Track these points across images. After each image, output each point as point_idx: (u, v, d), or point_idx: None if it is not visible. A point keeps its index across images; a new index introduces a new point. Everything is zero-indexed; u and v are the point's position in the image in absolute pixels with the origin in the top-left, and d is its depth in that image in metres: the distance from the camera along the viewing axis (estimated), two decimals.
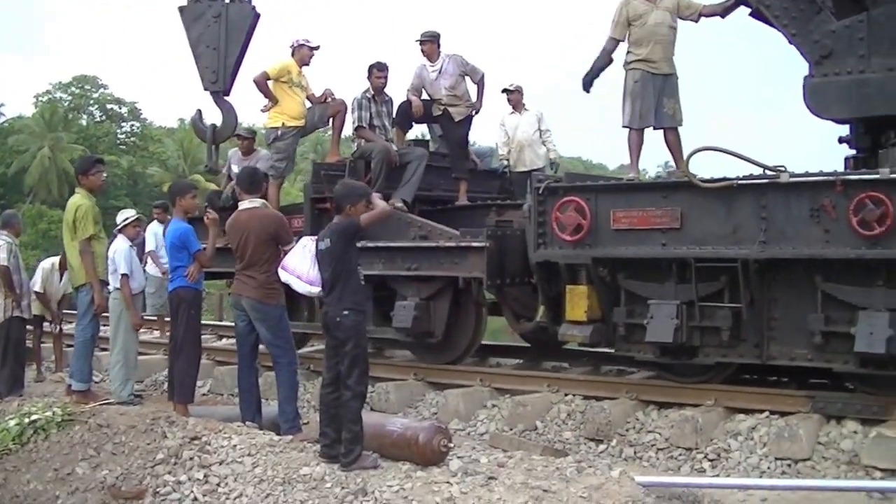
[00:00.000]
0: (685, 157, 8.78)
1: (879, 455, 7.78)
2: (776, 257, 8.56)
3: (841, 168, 9.77)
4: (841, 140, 10.53)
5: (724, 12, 9.97)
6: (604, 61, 10.26)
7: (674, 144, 10.18)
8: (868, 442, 8.01)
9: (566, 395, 9.91)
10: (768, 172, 8.70)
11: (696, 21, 10.15)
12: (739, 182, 8.69)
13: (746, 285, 8.68)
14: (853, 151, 10.17)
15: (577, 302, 9.52)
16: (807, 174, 8.54)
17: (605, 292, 9.52)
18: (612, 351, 10.00)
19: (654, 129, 10.13)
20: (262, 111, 12.12)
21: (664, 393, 9.61)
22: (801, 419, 8.50)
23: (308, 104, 12.25)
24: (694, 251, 8.90)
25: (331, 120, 12.45)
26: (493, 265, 10.21)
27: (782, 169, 8.67)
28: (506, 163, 13.81)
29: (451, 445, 7.66)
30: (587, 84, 10.38)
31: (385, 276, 11.09)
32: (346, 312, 7.42)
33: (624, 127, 10.17)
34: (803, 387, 9.35)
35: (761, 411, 8.87)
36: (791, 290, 8.73)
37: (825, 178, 8.42)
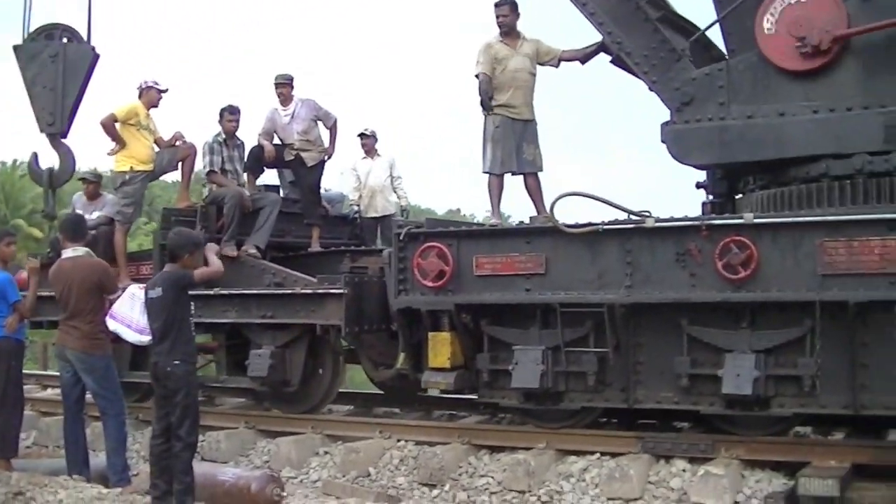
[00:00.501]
0: (551, 202, 8.75)
1: (707, 492, 7.94)
2: (642, 302, 8.59)
3: (698, 213, 9.99)
4: (698, 185, 10.77)
5: (584, 58, 10.09)
6: (489, 90, 10.13)
7: (534, 190, 10.19)
8: (696, 480, 8.13)
9: (398, 440, 9.85)
10: (633, 217, 8.75)
11: (556, 66, 10.24)
12: (605, 227, 8.70)
13: (612, 330, 8.67)
14: (710, 196, 10.42)
15: (440, 349, 9.37)
16: (672, 219, 8.64)
17: (469, 338, 9.41)
18: (476, 397, 9.89)
19: (514, 174, 10.13)
20: (109, 154, 11.64)
21: (496, 437, 9.66)
22: (631, 460, 8.59)
23: (156, 148, 11.82)
24: (559, 296, 8.86)
25: (180, 164, 12.05)
26: (351, 312, 9.98)
27: (647, 214, 8.76)
28: (356, 208, 13.65)
29: (284, 494, 7.77)
30: (487, 109, 10.17)
31: (239, 324, 10.75)
32: (176, 362, 7.38)
33: (485, 172, 10.13)
34: (633, 428, 9.41)
35: (592, 453, 8.94)
36: (657, 334, 8.77)
37: (691, 222, 8.53)
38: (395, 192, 14.03)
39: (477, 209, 67.43)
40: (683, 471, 8.44)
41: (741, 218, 8.33)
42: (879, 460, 8.19)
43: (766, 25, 8.82)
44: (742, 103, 8.98)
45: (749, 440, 8.67)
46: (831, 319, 8.00)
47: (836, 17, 8.59)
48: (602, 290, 8.70)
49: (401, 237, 9.56)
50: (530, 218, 9.87)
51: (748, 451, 8.56)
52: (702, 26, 9.88)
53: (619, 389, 8.95)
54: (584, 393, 9.04)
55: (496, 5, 10.18)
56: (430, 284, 9.34)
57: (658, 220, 8.62)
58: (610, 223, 8.75)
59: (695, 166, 9.73)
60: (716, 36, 9.75)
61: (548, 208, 8.83)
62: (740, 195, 10.09)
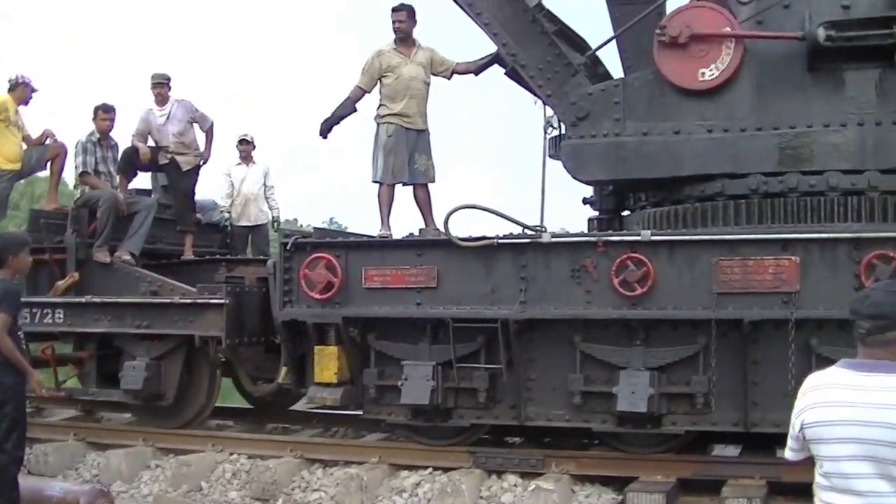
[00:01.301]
0: (446, 214, 8.64)
1: None
2: (536, 317, 8.56)
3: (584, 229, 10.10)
4: (585, 201, 10.83)
5: (477, 70, 10.04)
6: (347, 110, 10.10)
7: (424, 202, 10.08)
8: (527, 494, 8.23)
9: (231, 454, 9.70)
10: (528, 231, 8.74)
11: (449, 78, 10.17)
12: (500, 241, 8.64)
13: (506, 346, 8.60)
14: (597, 213, 10.51)
15: (327, 363, 9.13)
16: (568, 234, 8.65)
17: (356, 353, 9.21)
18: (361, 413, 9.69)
19: (405, 185, 10.00)
20: None
21: (329, 451, 9.65)
22: (463, 474, 8.65)
23: (25, 146, 11.30)
24: (451, 311, 8.74)
25: (49, 164, 11.54)
26: (232, 323, 9.72)
27: (542, 228, 8.76)
28: (227, 215, 13.31)
29: None
30: (325, 131, 10.14)
31: (111, 334, 10.34)
32: (4, 374, 6.98)
33: (375, 182, 9.98)
34: (465, 443, 9.35)
35: (425, 467, 8.97)
36: (550, 351, 8.75)
37: (587, 238, 8.59)
38: (266, 201, 13.73)
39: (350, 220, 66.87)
40: (515, 485, 8.54)
41: (638, 235, 8.39)
42: (702, 474, 8.44)
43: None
44: (638, 120, 9.05)
45: (579, 455, 8.88)
46: (725, 337, 8.12)
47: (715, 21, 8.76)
48: (496, 305, 8.63)
49: (287, 247, 9.32)
50: (420, 230, 9.75)
51: (578, 466, 8.74)
52: (592, 43, 10.00)
53: (510, 406, 8.88)
54: (474, 410, 8.96)
55: (393, 10, 10.06)
56: (318, 296, 9.11)
57: (554, 234, 8.62)
58: (505, 237, 8.69)
59: (589, 182, 9.77)
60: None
61: (442, 221, 8.71)
62: (628, 212, 10.20)
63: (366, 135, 10.15)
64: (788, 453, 4.10)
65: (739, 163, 8.74)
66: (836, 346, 7.91)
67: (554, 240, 8.54)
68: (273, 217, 13.90)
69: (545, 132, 10.93)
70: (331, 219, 60.41)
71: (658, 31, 8.79)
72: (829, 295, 7.93)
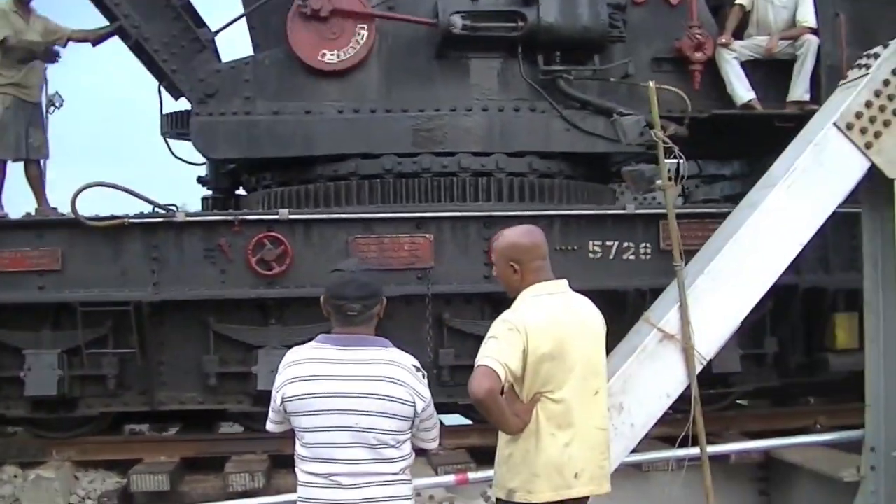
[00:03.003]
0: (73, 193, 8.38)
1: (39, 497, 8.21)
2: (170, 299, 8.58)
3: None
4: (200, 180, 10.90)
5: (96, 40, 9.75)
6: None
7: (36, 179, 9.65)
8: (27, 485, 8.31)
9: None
10: (160, 210, 8.74)
11: (64, 47, 9.81)
12: (130, 220, 8.56)
13: (139, 329, 8.54)
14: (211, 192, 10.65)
15: None
16: (203, 213, 8.71)
17: None
18: None
19: (19, 160, 9.56)
20: None
21: None
22: None
23: None
24: (78, 295, 8.54)
25: None
26: None
27: (174, 207, 8.77)
28: None
29: None
30: None
31: None
32: None
33: None
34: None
35: None
36: (183, 333, 8.81)
37: (223, 216, 8.71)
38: None
39: None
40: (15, 476, 8.49)
41: (276, 213, 8.62)
42: (206, 452, 8.99)
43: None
44: (269, 99, 9.23)
45: (82, 441, 8.99)
46: None
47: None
48: (127, 288, 8.54)
49: None
50: (35, 210, 9.38)
51: (80, 451, 8.90)
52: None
53: (140, 392, 8.84)
54: (103, 398, 8.81)
55: None
56: None
57: (188, 213, 8.66)
58: (136, 216, 8.62)
59: (221, 161, 9.86)
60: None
61: (70, 199, 8.46)
62: (245, 191, 10.43)
63: None
64: (270, 426, 4.45)
65: (373, 143, 9.17)
66: (464, 319, 8.67)
67: (188, 219, 8.58)
68: None
69: (160, 110, 10.77)
70: None
71: (301, 2, 9.02)
72: (461, 271, 8.62)
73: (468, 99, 9.34)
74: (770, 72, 9.70)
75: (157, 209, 8.79)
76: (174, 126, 10.67)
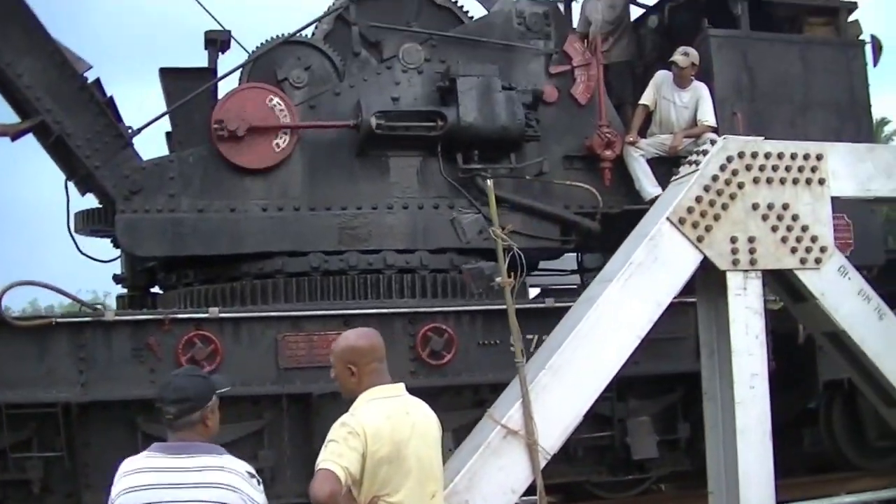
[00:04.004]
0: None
1: None
2: (98, 400, 8.64)
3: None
4: (116, 279, 11.01)
5: (15, 134, 9.67)
6: None
7: None
8: None
9: None
10: (88, 310, 8.84)
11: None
12: (58, 320, 8.65)
13: (66, 431, 8.59)
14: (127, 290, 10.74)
15: None
16: (132, 311, 8.86)
17: None
18: None
19: None
20: None
21: None
22: None
23: None
24: (4, 396, 8.49)
25: None
26: None
27: (101, 305, 8.92)
28: None
29: None
30: None
31: None
32: None
33: None
34: None
35: None
36: (111, 434, 8.83)
37: (153, 315, 8.88)
38: None
39: None
40: None
41: (206, 311, 8.85)
42: None
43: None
44: (194, 196, 9.45)
45: None
46: (290, 412, 8.87)
47: (266, 112, 9.47)
48: (54, 389, 8.57)
49: None
50: None
51: None
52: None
53: (66, 495, 8.87)
54: (28, 503, 8.79)
55: None
56: None
57: (118, 312, 8.82)
58: (64, 315, 8.76)
59: (147, 259, 10.00)
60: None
61: None
62: (162, 289, 10.57)
63: None
64: None
65: (300, 241, 9.49)
66: None
67: (117, 318, 8.73)
68: None
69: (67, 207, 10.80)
70: None
71: (215, 124, 9.33)
72: (388, 367, 8.87)
73: (389, 197, 9.78)
74: (674, 168, 10.35)
75: (82, 308, 8.90)
76: (88, 223, 10.68)
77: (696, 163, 7.43)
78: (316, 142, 9.74)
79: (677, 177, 7.70)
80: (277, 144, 9.53)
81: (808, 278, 7.51)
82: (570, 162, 10.31)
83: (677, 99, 10.31)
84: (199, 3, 10.78)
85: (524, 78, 10.24)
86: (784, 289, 7.92)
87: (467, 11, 10.73)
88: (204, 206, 9.49)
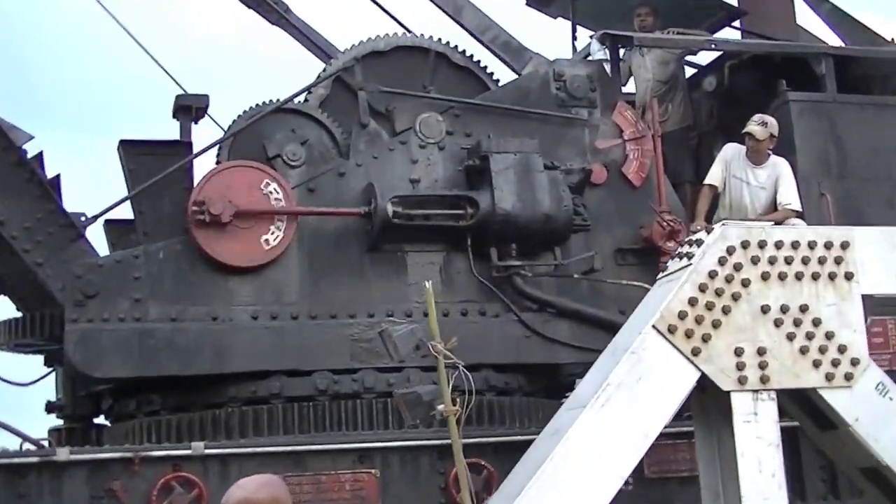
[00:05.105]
0: None
1: None
2: None
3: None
4: (49, 407, 9.59)
5: None
6: None
7: None
8: None
9: None
10: (34, 448, 7.64)
11: None
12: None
13: None
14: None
15: None
16: (91, 448, 7.63)
17: None
18: None
19: None
20: None
21: None
22: None
23: None
24: None
25: None
26: None
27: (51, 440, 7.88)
28: None
29: None
30: None
31: None
32: None
33: None
34: None
35: None
36: None
37: (118, 453, 7.48)
38: None
39: None
40: None
41: (189, 448, 7.48)
42: None
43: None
44: (165, 301, 8.13)
45: None
46: None
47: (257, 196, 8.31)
48: None
49: None
50: None
51: None
52: None
53: None
54: None
55: None
56: None
57: (73, 450, 7.42)
58: (4, 454, 7.40)
59: (106, 381, 8.50)
60: None
61: None
62: (125, 419, 8.97)
63: None
64: None
65: (302, 357, 8.23)
66: None
67: (72, 457, 7.29)
68: None
69: None
70: None
71: (195, 206, 8.06)
72: None
73: (408, 301, 8.55)
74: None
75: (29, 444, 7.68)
76: (14, 336, 9.02)
77: (689, 255, 6.28)
78: (317, 233, 8.50)
79: (664, 273, 6.53)
80: (270, 237, 8.26)
81: (836, 399, 6.32)
82: (622, 256, 9.12)
83: (752, 178, 9.11)
84: (162, 67, 9.80)
85: (566, 154, 9.09)
86: (806, 413, 6.68)
87: (492, 73, 9.59)
88: (178, 313, 8.14)
